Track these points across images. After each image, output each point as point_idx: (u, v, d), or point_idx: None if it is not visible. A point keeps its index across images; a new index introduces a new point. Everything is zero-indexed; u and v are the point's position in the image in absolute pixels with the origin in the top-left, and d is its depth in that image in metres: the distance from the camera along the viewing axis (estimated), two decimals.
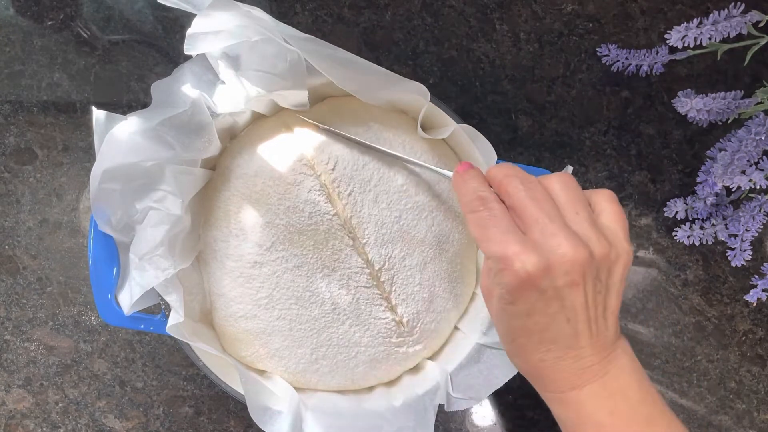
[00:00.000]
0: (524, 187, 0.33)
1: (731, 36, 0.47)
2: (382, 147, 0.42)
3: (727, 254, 0.53)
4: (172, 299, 0.40)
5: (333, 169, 0.42)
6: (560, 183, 0.34)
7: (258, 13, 0.37)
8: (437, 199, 0.44)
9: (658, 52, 0.52)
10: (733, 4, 0.47)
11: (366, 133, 0.43)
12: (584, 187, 0.54)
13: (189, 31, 0.37)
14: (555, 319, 0.32)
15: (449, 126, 0.42)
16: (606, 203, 0.35)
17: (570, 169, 0.43)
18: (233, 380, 0.43)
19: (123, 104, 0.54)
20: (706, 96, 0.48)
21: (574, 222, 0.33)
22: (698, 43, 0.47)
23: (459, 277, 0.46)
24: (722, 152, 0.48)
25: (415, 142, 0.44)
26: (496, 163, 0.42)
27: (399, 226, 0.43)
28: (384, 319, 0.43)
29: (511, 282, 0.31)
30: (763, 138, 0.46)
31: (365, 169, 0.42)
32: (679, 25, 0.47)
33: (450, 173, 0.38)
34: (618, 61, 0.53)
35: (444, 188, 0.44)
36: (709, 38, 0.47)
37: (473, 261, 0.47)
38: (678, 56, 0.51)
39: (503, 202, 0.34)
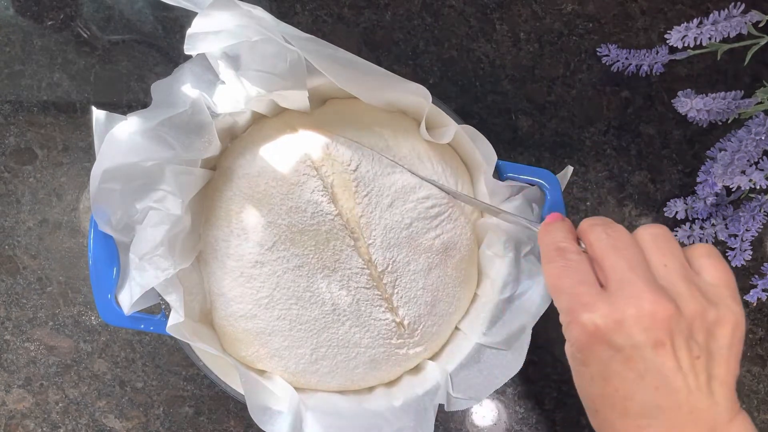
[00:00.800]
0: (607, 235, 0.30)
1: (731, 36, 0.47)
2: (453, 188, 0.43)
3: (727, 254, 0.53)
4: (172, 299, 0.40)
5: (355, 170, 0.42)
6: (650, 233, 0.30)
7: (258, 12, 0.37)
8: (451, 210, 0.44)
9: (658, 52, 0.52)
10: (733, 4, 0.47)
11: (383, 146, 0.43)
12: (584, 188, 0.55)
13: (189, 31, 0.37)
14: (639, 386, 0.27)
15: (449, 126, 0.42)
16: (705, 259, 0.30)
17: (570, 169, 0.43)
18: (233, 380, 0.43)
19: (123, 104, 0.54)
20: (706, 96, 0.48)
21: (662, 275, 0.29)
22: (698, 43, 0.47)
23: (463, 281, 0.46)
24: (722, 152, 0.48)
25: (420, 144, 0.44)
26: (497, 161, 0.42)
27: (408, 232, 0.43)
28: (384, 320, 0.43)
29: (578, 337, 0.28)
30: (763, 138, 0.46)
31: (390, 176, 0.42)
32: (679, 25, 0.47)
33: (537, 227, 0.36)
34: (618, 61, 0.53)
35: (458, 201, 0.44)
36: (709, 38, 0.47)
37: (475, 263, 0.47)
38: (678, 56, 0.51)
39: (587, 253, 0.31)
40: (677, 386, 0.27)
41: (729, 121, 0.50)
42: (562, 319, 0.30)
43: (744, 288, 0.55)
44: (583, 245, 0.32)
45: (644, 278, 0.28)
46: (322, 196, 0.42)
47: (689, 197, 0.53)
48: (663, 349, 0.27)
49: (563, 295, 0.30)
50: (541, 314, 0.42)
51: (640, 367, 0.27)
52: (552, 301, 0.42)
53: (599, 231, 0.30)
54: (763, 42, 0.48)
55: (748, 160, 0.47)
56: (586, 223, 0.32)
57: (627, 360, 0.27)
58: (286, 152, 0.42)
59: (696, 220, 0.53)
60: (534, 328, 0.42)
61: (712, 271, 0.30)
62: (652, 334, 0.27)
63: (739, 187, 0.49)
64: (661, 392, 0.27)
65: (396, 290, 0.43)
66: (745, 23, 0.47)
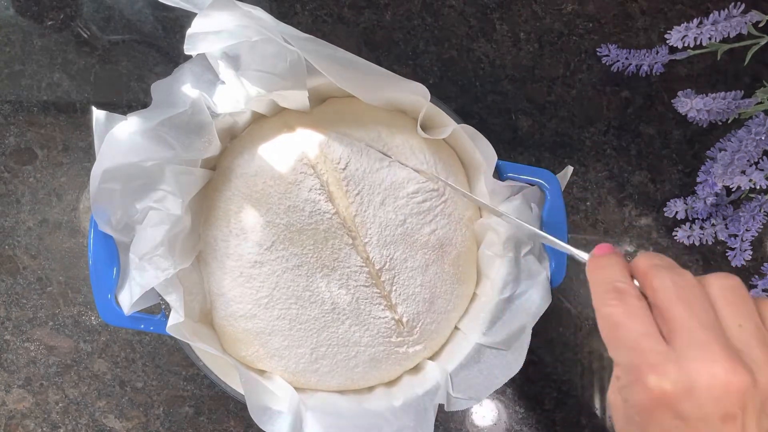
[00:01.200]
0: (674, 282, 0.27)
1: (731, 36, 0.47)
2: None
3: (727, 254, 0.53)
4: (172, 299, 0.40)
5: (344, 168, 0.42)
6: (722, 286, 0.27)
7: (258, 12, 0.37)
8: (443, 205, 0.44)
9: (658, 52, 0.52)
10: (733, 4, 0.47)
11: (375, 138, 0.43)
12: (584, 188, 0.55)
13: (189, 31, 0.37)
14: None
15: (449, 126, 0.42)
16: None
17: (570, 169, 0.43)
18: (233, 380, 0.43)
19: (123, 104, 0.54)
20: (706, 96, 0.48)
21: (736, 337, 0.26)
22: (698, 43, 0.47)
23: (461, 278, 0.46)
24: (722, 152, 0.48)
25: (419, 144, 0.44)
26: (497, 161, 0.42)
27: (403, 229, 0.43)
28: (383, 318, 0.43)
29: (641, 400, 0.26)
30: (763, 138, 0.46)
31: (378, 172, 0.43)
32: (679, 25, 0.47)
33: (585, 256, 0.32)
34: (618, 61, 0.53)
35: (450, 195, 0.44)
36: (709, 38, 0.47)
37: (474, 262, 0.47)
38: (678, 56, 0.51)
39: (646, 298, 0.28)
40: None
41: (729, 121, 0.50)
42: (618, 373, 0.27)
43: None
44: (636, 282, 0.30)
45: (718, 341, 0.25)
46: (320, 194, 0.42)
47: (689, 197, 0.53)
48: (733, 423, 0.25)
49: (624, 349, 0.27)
50: (541, 314, 0.42)
51: None
52: (551, 301, 0.42)
53: (665, 276, 0.27)
54: (763, 42, 0.48)
55: (748, 160, 0.47)
56: (645, 262, 0.29)
57: (691, 431, 0.25)
58: (284, 151, 0.42)
59: (696, 220, 0.53)
60: (534, 328, 0.42)
61: None
62: (724, 406, 0.24)
63: (739, 187, 0.49)
64: None
65: (394, 287, 0.43)
66: (745, 23, 0.47)
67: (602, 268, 0.30)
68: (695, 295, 0.27)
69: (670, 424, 0.25)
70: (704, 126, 0.52)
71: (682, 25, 0.47)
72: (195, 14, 0.37)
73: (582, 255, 0.33)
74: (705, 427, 0.25)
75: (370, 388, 0.46)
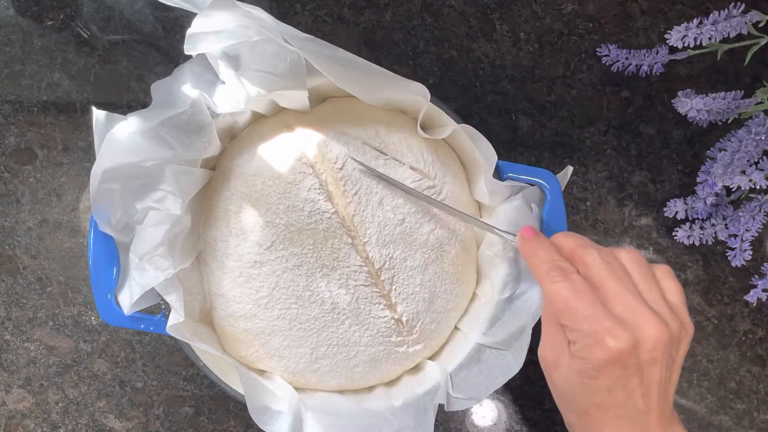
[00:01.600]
0: (602, 259, 0.33)
1: (731, 36, 0.47)
2: (442, 203, 0.43)
3: (727, 254, 0.53)
4: (172, 299, 0.40)
5: (341, 168, 0.42)
6: (632, 258, 0.35)
7: (258, 13, 0.37)
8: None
9: (658, 52, 0.52)
10: (733, 4, 0.47)
11: (372, 135, 0.43)
12: (584, 188, 0.55)
13: (189, 31, 0.37)
14: (633, 395, 0.32)
15: (449, 126, 0.42)
16: (668, 280, 0.35)
17: (570, 169, 0.43)
18: (233, 380, 0.43)
19: (123, 104, 0.54)
20: (706, 96, 0.48)
21: (650, 298, 0.33)
22: (698, 43, 0.47)
23: (460, 278, 0.46)
24: (722, 152, 0.48)
25: (418, 142, 0.44)
26: (497, 161, 0.42)
27: (402, 228, 0.43)
28: (383, 317, 0.43)
29: (600, 357, 0.31)
30: (763, 138, 0.46)
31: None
32: (679, 25, 0.47)
33: (513, 237, 0.39)
34: (618, 61, 0.53)
35: (447, 194, 0.44)
36: (709, 38, 0.47)
37: (473, 261, 0.47)
38: (678, 56, 0.51)
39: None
40: (656, 393, 0.33)
41: (729, 121, 0.50)
42: (575, 338, 0.33)
43: (744, 288, 0.55)
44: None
45: (643, 304, 0.32)
46: (319, 194, 0.42)
47: (689, 197, 0.53)
48: (656, 365, 0.32)
49: (581, 318, 0.32)
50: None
51: (637, 380, 0.32)
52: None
53: (594, 254, 0.34)
54: (763, 42, 0.48)
55: (748, 160, 0.47)
56: (572, 242, 0.35)
57: (630, 375, 0.32)
58: (283, 151, 0.42)
59: (696, 220, 0.53)
60: (534, 328, 0.42)
61: (675, 292, 0.35)
62: (653, 353, 0.32)
63: (739, 187, 0.49)
64: (645, 399, 0.32)
65: (394, 287, 0.43)
66: (745, 23, 0.47)
67: (538, 249, 0.36)
68: (619, 268, 0.34)
69: (617, 373, 0.32)
70: (704, 126, 0.52)
71: (682, 25, 0.47)
72: (195, 14, 0.37)
73: (510, 237, 0.39)
74: (638, 371, 0.32)
75: (370, 388, 0.46)
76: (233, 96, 0.41)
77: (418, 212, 0.43)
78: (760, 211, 0.50)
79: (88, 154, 0.54)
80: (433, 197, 0.44)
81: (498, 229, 0.41)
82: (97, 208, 0.39)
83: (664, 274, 0.35)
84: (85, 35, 0.54)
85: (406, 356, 0.45)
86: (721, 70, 0.55)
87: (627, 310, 0.32)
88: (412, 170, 0.43)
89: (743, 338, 0.55)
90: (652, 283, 0.34)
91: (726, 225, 0.51)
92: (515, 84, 0.55)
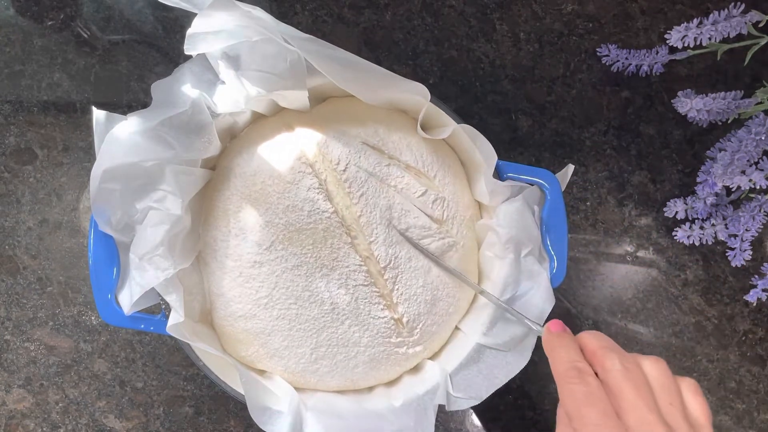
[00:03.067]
0: (622, 366, 0.32)
1: (731, 36, 0.47)
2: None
3: (727, 254, 0.53)
4: (172, 299, 0.40)
5: (344, 170, 0.42)
6: (656, 368, 0.33)
7: (258, 13, 0.37)
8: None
9: (658, 52, 0.52)
10: (733, 4, 0.47)
11: (372, 134, 0.43)
12: (584, 188, 0.55)
13: (189, 31, 0.37)
14: None
15: (449, 126, 0.42)
16: (693, 395, 0.34)
17: (571, 167, 0.43)
18: (233, 380, 0.43)
19: (123, 104, 0.54)
20: (706, 96, 0.48)
21: (669, 413, 0.32)
22: (698, 43, 0.47)
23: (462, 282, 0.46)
24: (722, 152, 0.48)
25: (418, 142, 0.44)
26: (497, 161, 0.42)
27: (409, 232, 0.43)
28: (382, 318, 0.43)
29: None
30: (763, 138, 0.46)
31: (379, 174, 0.43)
32: (679, 25, 0.47)
33: (540, 328, 0.38)
34: (618, 61, 0.53)
35: (450, 196, 0.44)
36: (709, 38, 0.47)
37: (475, 263, 0.47)
38: (678, 56, 0.51)
39: (596, 374, 0.33)
40: None
41: (729, 121, 0.50)
42: None
43: (744, 288, 0.55)
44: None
45: (660, 421, 0.31)
46: (318, 193, 0.42)
47: (689, 197, 0.53)
48: None
49: (590, 426, 0.31)
50: (546, 317, 0.42)
51: None
52: (554, 303, 0.42)
53: (614, 358, 0.33)
54: (763, 42, 0.48)
55: (748, 160, 0.47)
56: (594, 342, 0.34)
57: None
58: (282, 151, 0.42)
59: (696, 220, 0.53)
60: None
61: (699, 410, 0.33)
62: None
63: (739, 187, 0.49)
64: None
65: (396, 287, 0.43)
66: (745, 23, 0.47)
67: (560, 348, 0.35)
68: (639, 377, 0.32)
69: None
70: (704, 126, 0.52)
71: (682, 25, 0.47)
72: (195, 14, 0.37)
73: (537, 327, 0.38)
74: None
75: (370, 388, 0.46)
76: (233, 96, 0.41)
77: (425, 225, 0.44)
78: (760, 211, 0.50)
79: (88, 154, 0.54)
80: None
81: (526, 318, 0.39)
82: (97, 208, 0.39)
83: (690, 388, 0.34)
84: (85, 35, 0.54)
85: (406, 357, 0.45)
86: (721, 70, 0.55)
87: (640, 424, 0.30)
88: (416, 175, 0.44)
89: (743, 338, 0.55)
90: (674, 396, 0.33)
91: (726, 225, 0.51)
92: (515, 84, 0.55)
